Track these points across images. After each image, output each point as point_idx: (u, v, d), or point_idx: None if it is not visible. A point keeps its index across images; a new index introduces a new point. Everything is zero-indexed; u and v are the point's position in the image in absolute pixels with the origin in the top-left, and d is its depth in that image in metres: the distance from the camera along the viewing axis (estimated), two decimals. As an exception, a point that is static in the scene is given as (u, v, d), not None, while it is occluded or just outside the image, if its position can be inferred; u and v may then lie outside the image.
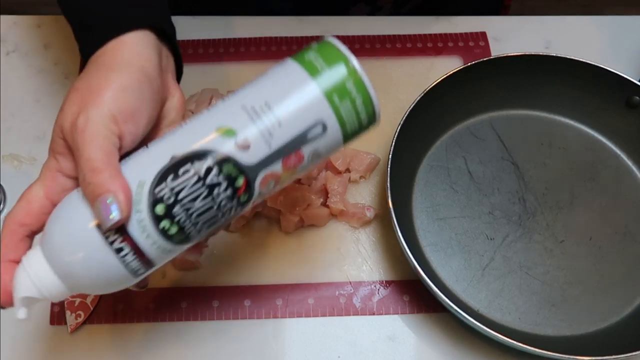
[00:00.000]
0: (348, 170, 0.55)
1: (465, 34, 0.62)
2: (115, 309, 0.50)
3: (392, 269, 0.52)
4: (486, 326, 0.45)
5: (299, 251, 0.53)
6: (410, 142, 0.53)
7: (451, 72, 0.53)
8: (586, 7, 0.68)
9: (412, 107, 0.52)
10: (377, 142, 0.57)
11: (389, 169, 0.50)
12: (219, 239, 0.53)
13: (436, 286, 0.46)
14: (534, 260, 0.52)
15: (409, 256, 0.47)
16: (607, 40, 0.55)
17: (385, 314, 0.50)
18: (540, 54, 0.55)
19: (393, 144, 0.50)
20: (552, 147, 0.57)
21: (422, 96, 0.52)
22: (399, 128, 0.51)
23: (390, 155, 0.50)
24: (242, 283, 0.52)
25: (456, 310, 0.45)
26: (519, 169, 0.56)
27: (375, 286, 0.52)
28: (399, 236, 0.47)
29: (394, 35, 0.62)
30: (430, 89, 0.53)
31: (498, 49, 0.58)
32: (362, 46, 0.62)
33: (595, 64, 0.54)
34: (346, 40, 0.62)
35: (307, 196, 0.53)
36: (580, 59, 0.55)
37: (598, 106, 0.57)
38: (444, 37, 0.62)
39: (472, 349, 0.50)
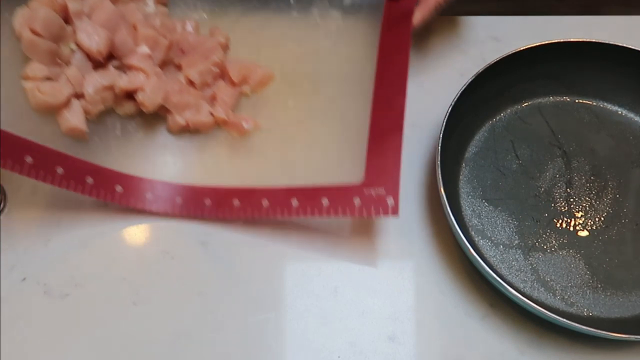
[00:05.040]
0: (240, 83, 0.55)
1: None
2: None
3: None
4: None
5: (188, 153, 0.54)
6: (458, 124, 0.52)
7: (499, 58, 0.53)
8: (586, 7, 0.68)
9: (462, 89, 0.51)
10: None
11: (439, 149, 0.49)
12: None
13: None
14: (579, 244, 0.51)
15: (464, 243, 0.46)
16: (607, 41, 0.55)
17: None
18: (592, 40, 0.54)
19: (443, 126, 0.50)
20: (600, 134, 0.56)
21: (472, 80, 0.52)
22: (449, 110, 0.50)
23: (441, 136, 0.49)
24: (115, 168, 0.51)
25: (515, 296, 0.44)
26: (566, 154, 0.55)
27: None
28: (451, 221, 0.47)
29: None
30: (480, 73, 0.52)
31: (498, 49, 0.58)
32: None
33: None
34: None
35: (198, 102, 0.53)
36: (634, 47, 0.54)
37: None
38: None
39: (473, 348, 0.50)
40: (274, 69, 0.57)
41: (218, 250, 0.52)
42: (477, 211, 0.53)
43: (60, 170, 0.49)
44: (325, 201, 0.49)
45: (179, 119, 0.52)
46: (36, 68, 0.49)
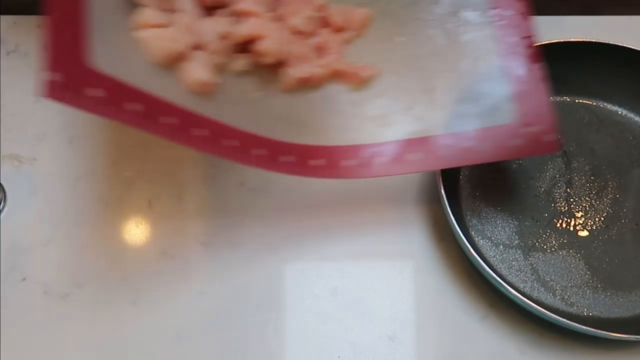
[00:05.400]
0: (343, 29, 0.50)
1: None
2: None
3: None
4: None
5: (312, 112, 0.47)
6: None
7: None
8: (586, 7, 0.68)
9: None
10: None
11: None
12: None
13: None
14: (579, 244, 0.51)
15: (464, 243, 0.46)
16: (607, 41, 0.56)
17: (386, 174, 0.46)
18: (592, 40, 0.54)
19: None
20: (600, 134, 0.56)
21: None
22: None
23: None
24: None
25: (509, 290, 0.45)
26: (566, 154, 0.55)
27: (377, 149, 0.46)
28: (451, 221, 0.47)
29: None
30: None
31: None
32: None
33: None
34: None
35: (310, 53, 0.47)
36: (634, 47, 0.54)
37: None
38: None
39: (473, 348, 0.49)
40: (369, 7, 0.51)
41: (218, 250, 0.52)
42: (477, 211, 0.53)
43: (234, 142, 0.42)
44: (475, 145, 0.45)
45: (297, 73, 0.45)
46: (150, 14, 0.42)
